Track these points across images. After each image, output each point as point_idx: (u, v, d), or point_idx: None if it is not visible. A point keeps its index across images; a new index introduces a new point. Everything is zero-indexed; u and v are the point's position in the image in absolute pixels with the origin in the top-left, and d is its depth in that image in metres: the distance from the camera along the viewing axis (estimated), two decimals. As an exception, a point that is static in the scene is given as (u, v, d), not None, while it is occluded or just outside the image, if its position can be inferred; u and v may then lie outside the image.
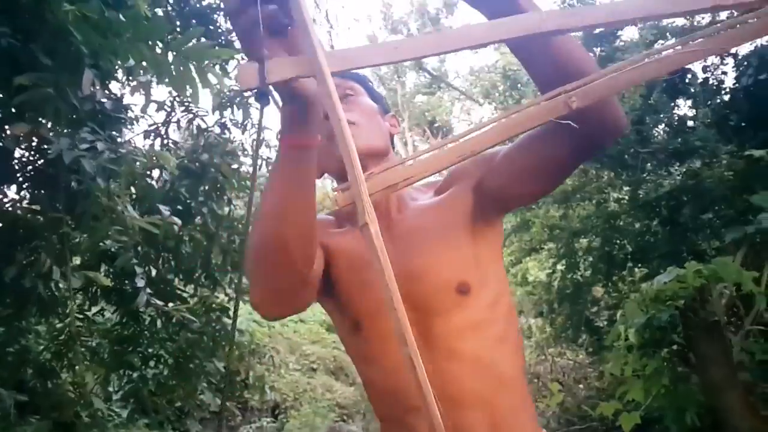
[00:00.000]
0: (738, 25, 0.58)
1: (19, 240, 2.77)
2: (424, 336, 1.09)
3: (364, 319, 1.12)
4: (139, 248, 3.54)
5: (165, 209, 2.75)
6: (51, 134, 2.09)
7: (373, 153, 1.16)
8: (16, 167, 3.10)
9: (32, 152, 2.55)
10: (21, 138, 2.34)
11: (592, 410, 4.75)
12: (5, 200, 3.14)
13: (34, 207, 3.04)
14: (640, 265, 6.03)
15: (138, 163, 2.48)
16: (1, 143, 2.78)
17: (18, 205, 3.08)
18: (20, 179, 3.13)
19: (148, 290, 2.98)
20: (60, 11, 1.61)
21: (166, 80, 1.85)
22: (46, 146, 2.16)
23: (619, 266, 6.36)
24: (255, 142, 4.27)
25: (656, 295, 2.88)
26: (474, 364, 1.08)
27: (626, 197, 6.40)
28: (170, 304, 3.27)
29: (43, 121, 2.11)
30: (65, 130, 1.93)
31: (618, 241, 6.44)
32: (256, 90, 0.63)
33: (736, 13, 0.68)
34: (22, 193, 3.15)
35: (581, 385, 7.42)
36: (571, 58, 0.89)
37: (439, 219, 1.15)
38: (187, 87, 1.78)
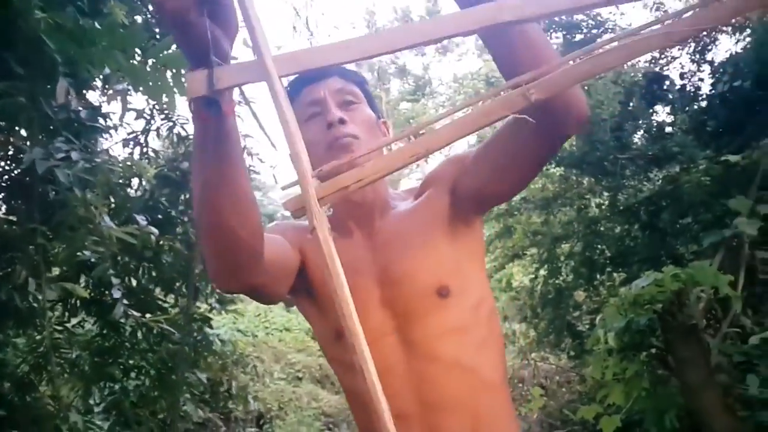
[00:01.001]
0: (696, 11, 0.55)
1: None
2: (405, 340, 1.09)
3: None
4: (118, 258, 3.51)
5: (142, 219, 2.73)
6: (27, 143, 2.07)
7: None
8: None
9: (7, 161, 2.53)
10: None
11: (574, 414, 4.76)
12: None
13: (10, 218, 3.02)
14: (620, 269, 6.07)
15: (114, 173, 2.45)
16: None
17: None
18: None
19: (125, 301, 2.95)
20: (32, 19, 1.60)
21: (142, 88, 1.85)
22: (20, 155, 2.14)
23: (600, 271, 6.40)
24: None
25: (635, 299, 2.90)
26: (454, 368, 1.08)
27: (606, 203, 6.46)
28: (148, 315, 3.23)
29: (18, 130, 2.09)
30: (40, 139, 1.91)
31: (599, 246, 6.48)
32: (204, 98, 0.62)
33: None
34: (-1, 203, 3.13)
35: (564, 389, 7.46)
36: (532, 47, 0.86)
37: (417, 223, 1.16)
38: (164, 95, 1.77)
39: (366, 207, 1.19)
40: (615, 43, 0.58)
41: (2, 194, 3.07)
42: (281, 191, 0.71)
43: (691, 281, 2.75)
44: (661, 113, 6.36)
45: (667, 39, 0.55)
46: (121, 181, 2.84)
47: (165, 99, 1.76)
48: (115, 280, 2.84)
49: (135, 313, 3.01)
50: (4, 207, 3.08)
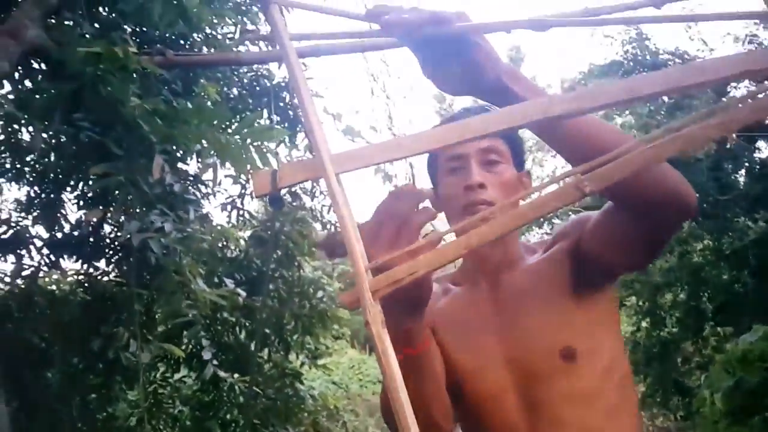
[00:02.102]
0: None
1: (106, 312, 2.99)
2: (528, 401, 1.08)
3: (464, 383, 1.11)
4: (216, 316, 3.72)
5: (230, 282, 2.89)
6: (122, 217, 2.28)
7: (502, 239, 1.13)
8: (107, 242, 3.38)
9: (116, 229, 2.78)
10: (94, 222, 2.55)
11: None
12: (95, 273, 3.41)
13: (119, 280, 3.29)
14: (728, 320, 5.67)
15: (206, 241, 2.64)
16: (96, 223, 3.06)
17: (105, 279, 3.34)
18: (109, 255, 3.41)
19: (222, 357, 3.09)
20: (129, 106, 1.79)
21: (228, 161, 2.00)
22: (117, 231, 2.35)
23: (708, 321, 6.01)
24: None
25: (743, 355, 2.69)
26: None
27: (710, 247, 6.10)
28: (236, 375, 3.38)
29: (116, 205, 2.31)
30: (136, 212, 2.11)
31: (706, 294, 6.10)
32: (269, 195, 0.69)
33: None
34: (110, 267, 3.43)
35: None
36: (587, 138, 0.85)
37: (541, 281, 1.13)
38: (248, 166, 1.91)
39: (493, 261, 1.17)
40: (678, 132, 0.57)
41: (114, 258, 3.37)
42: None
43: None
44: (765, 150, 6.02)
45: (738, 122, 0.54)
46: (211, 246, 3.04)
47: (249, 170, 1.90)
48: (205, 342, 3.00)
49: (222, 374, 3.14)
50: (114, 271, 3.38)
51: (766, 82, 0.54)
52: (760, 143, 5.99)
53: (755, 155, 5.96)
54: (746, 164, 5.83)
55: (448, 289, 1.24)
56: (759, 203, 5.50)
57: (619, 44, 8.17)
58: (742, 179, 5.97)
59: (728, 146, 5.63)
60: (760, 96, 0.52)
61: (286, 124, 4.03)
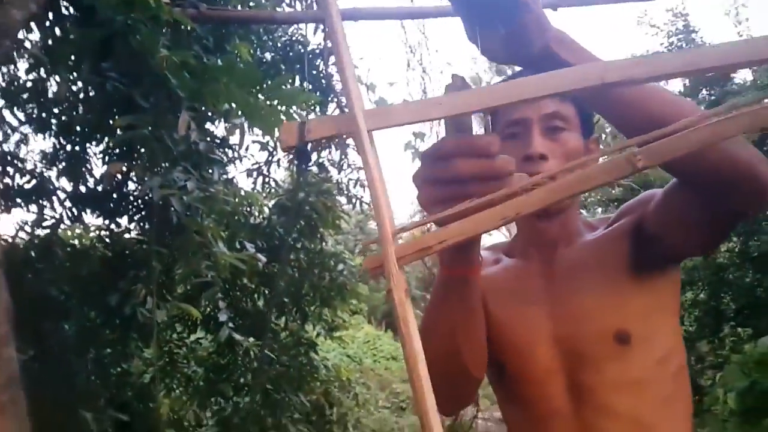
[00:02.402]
0: None
1: (126, 268, 2.98)
2: (576, 385, 1.01)
3: (508, 360, 1.05)
4: (236, 282, 3.71)
5: (251, 246, 2.87)
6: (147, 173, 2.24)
7: (560, 209, 1.07)
8: (130, 199, 3.37)
9: (139, 186, 2.76)
10: (116, 176, 2.53)
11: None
12: (117, 230, 3.41)
13: (140, 237, 3.28)
14: (748, 322, 5.56)
15: (229, 203, 2.60)
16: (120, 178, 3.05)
17: (126, 236, 3.34)
18: (131, 211, 3.40)
19: (239, 322, 3.08)
20: (157, 57, 1.74)
21: (256, 123, 1.95)
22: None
23: (727, 322, 5.91)
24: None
25: (760, 358, 2.64)
26: (630, 425, 0.98)
27: (737, 249, 5.96)
28: (251, 339, 3.37)
29: (141, 160, 2.27)
30: (159, 168, 2.08)
31: (727, 295, 5.98)
32: (297, 148, 0.63)
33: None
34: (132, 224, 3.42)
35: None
36: (645, 107, 0.78)
37: (599, 259, 1.05)
38: (276, 130, 1.85)
39: (549, 235, 1.09)
40: (738, 111, 0.51)
41: (137, 216, 3.36)
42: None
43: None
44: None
45: None
46: (234, 210, 3.01)
47: (277, 134, 1.84)
48: (222, 304, 2.98)
49: (238, 337, 3.14)
50: (136, 228, 3.38)
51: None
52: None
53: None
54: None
55: (499, 259, 1.17)
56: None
57: (664, 35, 7.94)
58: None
59: (766, 148, 5.45)
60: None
61: (318, 93, 3.96)
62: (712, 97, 6.07)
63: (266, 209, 4.24)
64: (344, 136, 0.65)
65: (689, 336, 6.30)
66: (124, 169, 2.51)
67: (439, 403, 0.84)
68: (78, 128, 3.06)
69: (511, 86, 0.59)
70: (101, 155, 3.26)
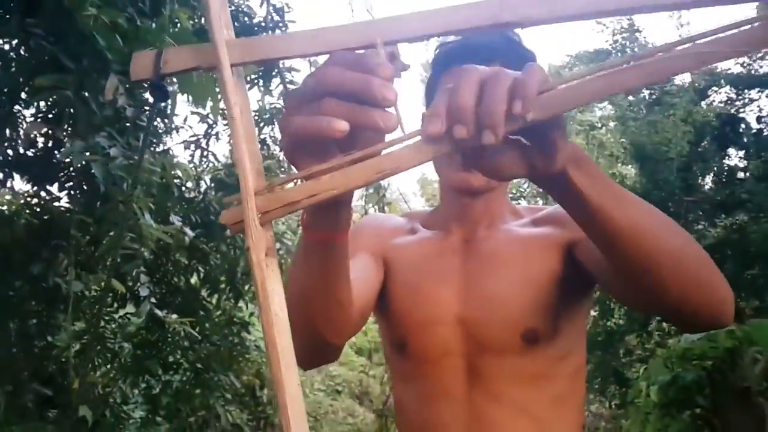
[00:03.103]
0: (746, 27, 0.44)
1: (50, 237, 2.85)
2: (473, 370, 0.99)
3: (409, 336, 1.02)
4: (159, 261, 3.60)
5: (177, 220, 2.78)
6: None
7: (487, 187, 1.03)
8: (61, 166, 3.23)
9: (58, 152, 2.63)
10: (35, 137, 2.41)
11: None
12: (47, 197, 3.27)
13: (68, 206, 3.15)
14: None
15: (156, 173, 2.50)
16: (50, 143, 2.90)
17: (56, 204, 3.20)
18: (63, 179, 3.26)
19: (153, 300, 2.98)
20: (83, 16, 1.64)
21: (187, 90, 1.88)
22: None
23: (655, 317, 6.15)
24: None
25: (684, 353, 2.75)
26: (521, 417, 0.98)
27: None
28: (175, 316, 3.29)
29: (64, 124, 2.16)
30: (83, 133, 1.97)
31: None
32: (150, 83, 0.52)
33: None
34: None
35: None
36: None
37: (524, 257, 1.02)
38: (209, 99, 1.80)
39: (474, 212, 1.06)
40: (636, 62, 0.47)
41: (68, 184, 3.23)
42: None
43: (748, 340, 2.58)
44: (734, 157, 6.11)
45: (699, 61, 0.46)
46: (165, 181, 2.87)
47: (210, 103, 1.78)
48: (144, 278, 2.88)
49: (159, 313, 3.04)
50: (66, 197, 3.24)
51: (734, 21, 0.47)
52: (731, 150, 6.07)
53: (724, 161, 6.04)
54: (715, 169, 5.91)
55: (415, 229, 1.13)
56: (720, 209, 5.59)
57: (609, 33, 8.15)
58: (708, 184, 6.05)
59: (699, 149, 5.70)
60: (726, 33, 0.45)
61: (261, 68, 3.87)
62: (653, 97, 6.26)
63: (203, 183, 4.13)
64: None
65: (618, 329, 6.52)
66: (50, 132, 2.38)
67: (298, 357, 0.75)
68: (5, 89, 2.90)
69: (398, 21, 0.50)
70: (32, 118, 3.10)
